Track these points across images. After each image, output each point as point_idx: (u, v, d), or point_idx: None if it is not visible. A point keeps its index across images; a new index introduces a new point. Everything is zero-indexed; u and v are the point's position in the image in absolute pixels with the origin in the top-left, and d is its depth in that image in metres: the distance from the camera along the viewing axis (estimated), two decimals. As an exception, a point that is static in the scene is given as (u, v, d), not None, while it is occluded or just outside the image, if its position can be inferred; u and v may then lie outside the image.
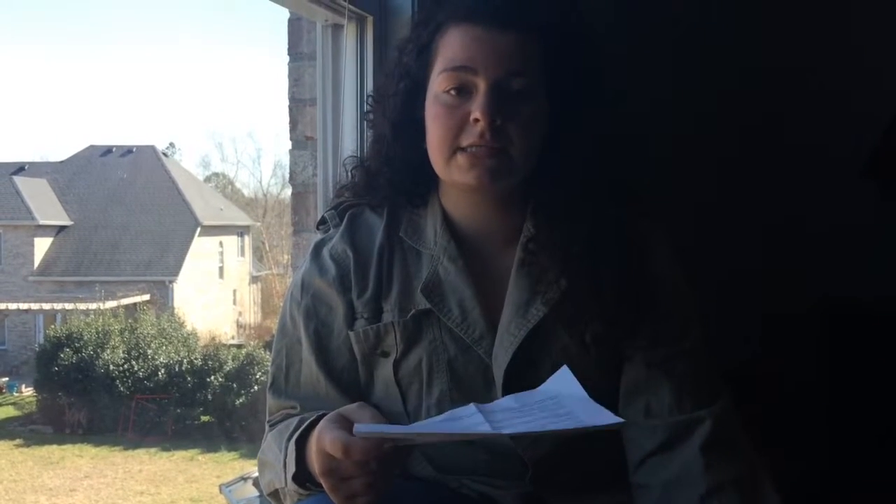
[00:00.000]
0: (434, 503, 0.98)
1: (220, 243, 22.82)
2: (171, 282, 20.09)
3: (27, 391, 16.49)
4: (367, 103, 1.12)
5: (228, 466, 12.47)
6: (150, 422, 14.48)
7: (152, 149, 23.85)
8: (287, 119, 1.70)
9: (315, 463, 0.84)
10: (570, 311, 0.96)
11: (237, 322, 23.08)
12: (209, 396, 14.32)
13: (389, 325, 0.98)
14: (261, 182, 43.74)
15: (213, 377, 14.34)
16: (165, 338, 15.39)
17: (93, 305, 17.47)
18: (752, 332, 2.05)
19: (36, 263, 20.20)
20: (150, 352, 14.89)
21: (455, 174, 0.95)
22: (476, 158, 0.93)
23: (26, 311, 18.75)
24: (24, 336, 19.00)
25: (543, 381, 0.86)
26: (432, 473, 1.01)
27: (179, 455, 13.47)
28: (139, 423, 14.47)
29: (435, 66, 0.96)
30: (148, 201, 21.73)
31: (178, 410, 14.49)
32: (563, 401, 0.82)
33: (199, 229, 21.16)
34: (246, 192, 33.24)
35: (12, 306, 18.62)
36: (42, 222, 20.23)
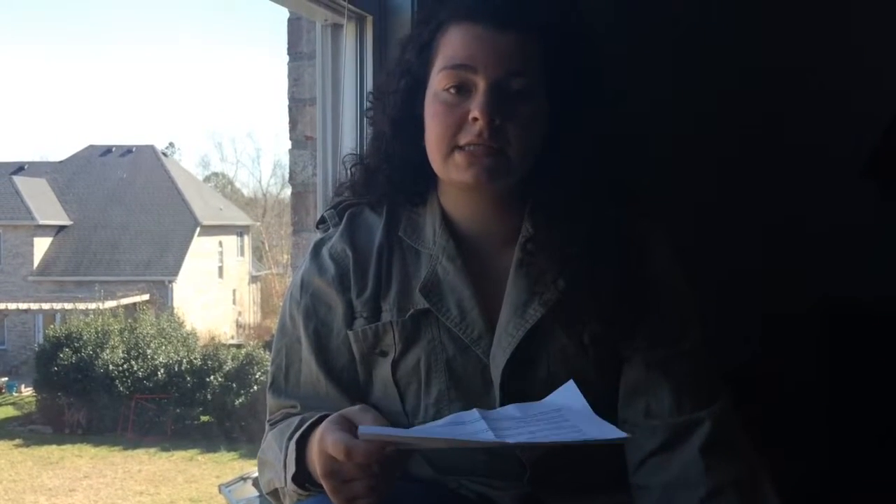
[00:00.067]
0: (433, 504, 0.98)
1: (220, 243, 22.80)
2: (170, 282, 20.07)
3: (26, 391, 16.46)
4: (367, 101, 1.12)
5: (228, 466, 12.45)
6: (149, 422, 14.46)
7: (152, 149, 23.82)
8: (287, 119, 1.70)
9: (316, 464, 0.84)
10: (568, 311, 0.95)
11: (237, 322, 23.06)
12: (209, 396, 14.29)
13: (388, 325, 0.98)
14: (260, 182, 43.67)
15: (212, 377, 14.31)
16: (165, 338, 15.37)
17: (92, 305, 17.44)
18: (752, 333, 2.05)
19: (35, 263, 20.17)
20: (149, 352, 14.86)
21: (452, 172, 0.95)
22: (474, 157, 0.93)
23: (26, 310, 18.73)
24: (24, 336, 18.97)
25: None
26: (431, 474, 1.01)
27: (179, 455, 13.45)
28: (138, 423, 14.45)
29: (435, 63, 0.96)
30: (147, 201, 21.71)
31: (178, 410, 14.47)
32: (567, 414, 0.81)
33: (198, 229, 21.14)
34: (245, 191, 33.30)
35: (12, 306, 18.59)
36: (41, 222, 20.21)
